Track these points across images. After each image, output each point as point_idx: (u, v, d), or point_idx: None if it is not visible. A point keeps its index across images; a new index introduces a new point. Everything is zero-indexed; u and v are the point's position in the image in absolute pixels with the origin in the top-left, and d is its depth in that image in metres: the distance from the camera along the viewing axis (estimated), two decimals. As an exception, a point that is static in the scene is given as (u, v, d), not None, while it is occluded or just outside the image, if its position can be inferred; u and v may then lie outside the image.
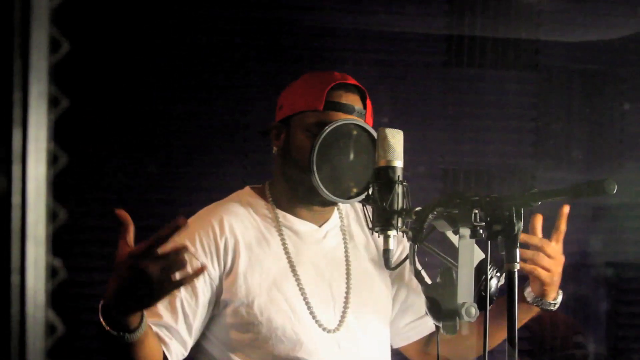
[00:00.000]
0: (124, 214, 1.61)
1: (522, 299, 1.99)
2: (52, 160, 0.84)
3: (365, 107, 2.03)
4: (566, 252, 1.98)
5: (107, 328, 1.65)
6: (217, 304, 1.99)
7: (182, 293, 1.92)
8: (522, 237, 1.71)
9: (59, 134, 0.87)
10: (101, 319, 1.66)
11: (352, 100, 2.02)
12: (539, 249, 1.92)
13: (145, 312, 1.71)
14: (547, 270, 1.93)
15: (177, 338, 1.93)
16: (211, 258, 1.98)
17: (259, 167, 3.29)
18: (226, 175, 3.31)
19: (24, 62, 0.81)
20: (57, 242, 0.88)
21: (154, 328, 1.86)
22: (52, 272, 0.85)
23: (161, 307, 1.89)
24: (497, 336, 2.01)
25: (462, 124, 3.64)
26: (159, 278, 1.54)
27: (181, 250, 1.55)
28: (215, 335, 2.02)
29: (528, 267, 1.91)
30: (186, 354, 1.98)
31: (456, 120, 3.64)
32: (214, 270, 1.98)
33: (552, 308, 2.00)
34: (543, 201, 1.60)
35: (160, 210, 3.15)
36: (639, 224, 3.77)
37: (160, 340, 1.88)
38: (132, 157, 3.28)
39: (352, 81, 2.04)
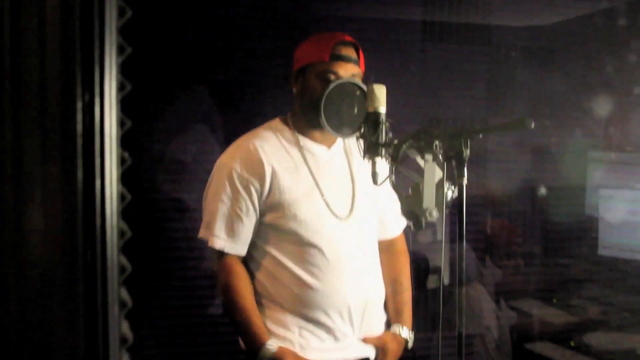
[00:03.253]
0: None
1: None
2: (120, 127, 0.92)
3: (359, 57, 2.21)
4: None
5: None
6: (262, 210, 2.18)
7: (234, 215, 2.17)
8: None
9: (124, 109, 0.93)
10: None
11: (350, 52, 2.19)
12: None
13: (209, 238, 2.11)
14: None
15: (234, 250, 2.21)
16: (253, 174, 2.16)
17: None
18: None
19: (100, 68, 0.90)
20: (124, 179, 0.95)
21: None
22: (121, 197, 0.93)
23: (222, 234, 2.19)
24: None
25: (434, 86, 3.78)
26: None
27: None
28: (262, 235, 2.22)
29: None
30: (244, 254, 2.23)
31: (431, 82, 3.79)
32: (257, 185, 2.15)
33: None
34: (485, 134, 1.72)
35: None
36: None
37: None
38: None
39: (349, 39, 2.22)
